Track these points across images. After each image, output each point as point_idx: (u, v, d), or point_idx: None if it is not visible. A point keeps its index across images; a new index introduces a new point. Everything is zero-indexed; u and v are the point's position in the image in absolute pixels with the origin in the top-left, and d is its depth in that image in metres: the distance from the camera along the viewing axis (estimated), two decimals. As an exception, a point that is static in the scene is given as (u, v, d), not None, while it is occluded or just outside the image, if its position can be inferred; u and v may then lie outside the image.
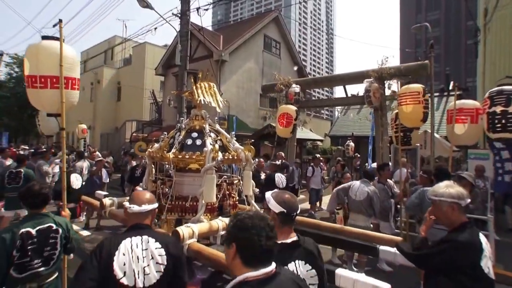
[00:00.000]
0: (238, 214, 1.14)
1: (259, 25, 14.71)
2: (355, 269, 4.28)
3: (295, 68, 16.01)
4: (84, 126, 10.92)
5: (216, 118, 3.99)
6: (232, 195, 3.51)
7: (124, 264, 1.51)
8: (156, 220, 3.19)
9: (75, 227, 5.84)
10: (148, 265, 1.55)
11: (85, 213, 6.74)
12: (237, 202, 3.52)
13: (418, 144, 7.47)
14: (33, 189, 2.20)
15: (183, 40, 9.49)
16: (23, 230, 2.03)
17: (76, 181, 4.37)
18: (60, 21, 2.92)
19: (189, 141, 3.46)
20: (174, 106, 12.83)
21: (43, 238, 2.10)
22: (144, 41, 18.79)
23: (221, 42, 13.75)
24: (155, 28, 10.12)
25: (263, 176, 5.44)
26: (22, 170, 5.05)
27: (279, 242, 1.47)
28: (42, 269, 2.08)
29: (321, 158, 9.20)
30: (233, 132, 3.77)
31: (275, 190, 1.71)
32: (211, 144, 3.32)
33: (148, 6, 8.87)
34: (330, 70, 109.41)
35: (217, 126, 3.76)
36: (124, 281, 1.48)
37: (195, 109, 3.81)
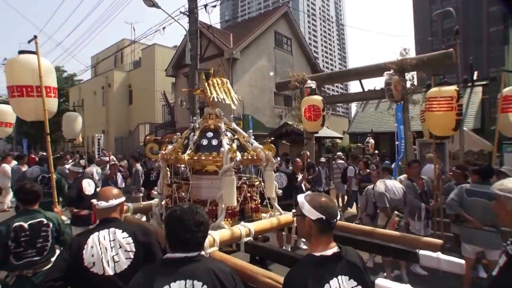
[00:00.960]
0: None
1: (269, 22, 14.52)
2: (405, 277, 4.05)
3: (309, 63, 15.74)
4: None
5: (232, 117, 3.82)
6: (254, 197, 3.34)
7: (93, 256, 1.69)
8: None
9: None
10: (117, 253, 1.73)
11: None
12: (259, 205, 3.35)
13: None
14: (25, 187, 2.50)
15: (193, 39, 9.40)
16: (16, 224, 2.31)
17: (89, 186, 4.27)
18: (35, 37, 3.27)
19: (205, 142, 3.33)
20: (186, 107, 12.84)
21: (35, 231, 2.37)
22: (153, 42, 18.82)
23: (231, 41, 13.62)
24: (164, 28, 10.09)
25: (300, 178, 5.22)
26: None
27: (317, 254, 1.30)
28: (36, 258, 2.36)
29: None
30: (251, 131, 3.59)
31: (308, 192, 1.53)
32: (228, 143, 3.17)
33: (154, 5, 8.83)
34: (343, 65, 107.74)
35: (234, 125, 3.61)
36: (94, 270, 1.67)
37: (209, 108, 3.68)
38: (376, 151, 10.99)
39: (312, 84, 9.15)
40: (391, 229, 3.62)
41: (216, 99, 3.57)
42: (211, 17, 13.93)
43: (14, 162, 8.58)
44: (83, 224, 4.10)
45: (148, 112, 19.08)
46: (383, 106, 16.03)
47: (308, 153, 8.10)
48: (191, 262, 1.29)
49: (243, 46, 12.97)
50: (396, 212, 3.86)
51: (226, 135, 3.31)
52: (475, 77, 13.94)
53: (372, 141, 11.16)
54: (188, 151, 3.17)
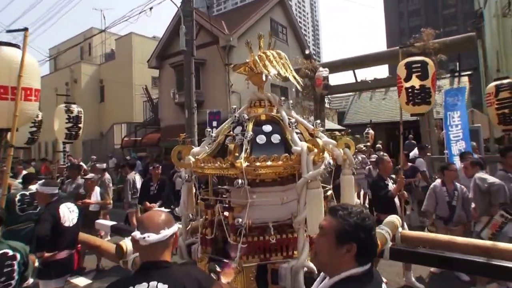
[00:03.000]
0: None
1: (265, 8, 13.71)
2: None
3: (307, 52, 15.16)
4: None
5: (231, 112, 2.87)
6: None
7: None
8: (217, 269, 2.03)
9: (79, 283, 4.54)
10: None
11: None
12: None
13: (479, 125, 6.76)
14: None
15: (187, 21, 8.32)
16: None
17: (69, 213, 3.08)
18: (26, 29, 2.93)
19: (262, 139, 2.35)
20: (179, 102, 11.62)
21: None
22: (129, 32, 17.40)
23: (225, 28, 12.61)
24: (151, 8, 8.87)
25: (390, 185, 4.06)
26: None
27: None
28: None
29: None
30: (318, 121, 2.65)
31: None
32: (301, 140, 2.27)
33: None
34: (317, 61, 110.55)
35: (293, 113, 2.64)
36: None
37: (259, 91, 2.73)
38: (380, 143, 10.57)
39: (325, 72, 8.42)
40: (491, 231, 3.39)
41: (273, 77, 2.64)
42: (199, 7, 12.76)
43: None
44: (60, 273, 2.95)
45: (124, 110, 17.70)
46: (378, 96, 16.30)
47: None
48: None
49: (241, 32, 12.02)
50: (502, 211, 3.32)
51: (295, 128, 2.35)
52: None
53: (371, 131, 10.79)
54: (243, 154, 2.17)
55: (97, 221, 4.32)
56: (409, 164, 5.65)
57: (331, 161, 2.04)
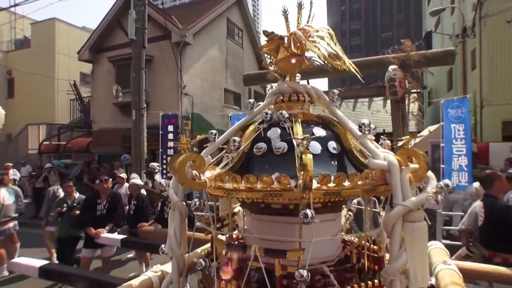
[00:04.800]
0: None
1: (223, 7, 13.08)
2: None
3: (267, 62, 14.91)
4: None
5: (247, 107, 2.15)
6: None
7: None
8: None
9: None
10: None
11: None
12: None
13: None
14: None
15: (139, 5, 7.22)
16: None
17: None
18: None
19: (316, 148, 1.67)
20: (118, 103, 10.27)
21: None
22: (52, 17, 15.12)
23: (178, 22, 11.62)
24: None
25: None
26: None
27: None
28: None
29: None
30: (366, 121, 1.89)
31: None
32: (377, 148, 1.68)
33: None
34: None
35: (337, 111, 1.96)
36: None
37: (290, 81, 2.07)
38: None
39: (296, 77, 8.12)
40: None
41: (319, 62, 2.00)
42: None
43: None
44: None
45: (43, 109, 15.31)
46: (376, 105, 15.60)
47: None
48: None
49: (196, 29, 11.11)
50: None
51: (367, 132, 1.70)
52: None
53: None
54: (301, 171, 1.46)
55: (13, 260, 3.08)
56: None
57: (449, 183, 1.44)
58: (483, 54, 9.27)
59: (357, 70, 1.99)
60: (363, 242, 1.89)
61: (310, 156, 1.34)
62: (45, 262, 2.88)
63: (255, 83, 9.46)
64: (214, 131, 1.99)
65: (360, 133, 1.71)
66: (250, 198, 1.49)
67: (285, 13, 2.03)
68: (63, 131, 13.13)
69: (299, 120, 1.76)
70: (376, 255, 1.90)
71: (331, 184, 1.42)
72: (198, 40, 11.39)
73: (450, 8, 12.52)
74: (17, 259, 3.16)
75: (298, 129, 1.69)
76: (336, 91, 2.02)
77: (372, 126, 1.90)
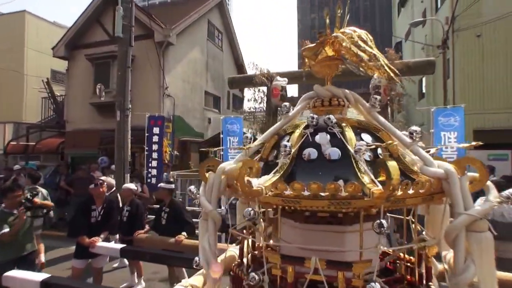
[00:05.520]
0: None
1: (205, 8, 12.89)
2: None
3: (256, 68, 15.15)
4: None
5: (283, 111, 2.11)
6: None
7: None
8: None
9: None
10: None
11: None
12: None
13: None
14: None
15: (126, 2, 6.90)
16: None
17: None
18: None
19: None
20: (96, 102, 9.80)
21: None
22: (21, 9, 14.13)
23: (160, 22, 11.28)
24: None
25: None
26: None
27: None
28: None
29: None
30: (416, 128, 1.84)
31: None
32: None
33: None
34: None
35: (379, 117, 1.93)
36: None
37: (329, 86, 2.02)
38: None
39: (283, 81, 8.07)
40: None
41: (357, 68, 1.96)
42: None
43: None
44: None
45: (9, 106, 14.17)
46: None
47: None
48: None
49: (179, 29, 10.82)
50: None
51: (418, 139, 1.67)
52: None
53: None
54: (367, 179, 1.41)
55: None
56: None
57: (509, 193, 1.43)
58: (456, 65, 9.86)
59: (397, 73, 1.99)
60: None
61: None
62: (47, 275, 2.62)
63: (241, 86, 9.38)
64: (249, 135, 1.89)
65: (410, 140, 1.69)
66: (314, 207, 1.41)
67: (326, 15, 1.97)
68: (32, 131, 12.17)
69: (349, 125, 1.72)
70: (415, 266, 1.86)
71: (399, 192, 1.37)
72: (180, 40, 11.14)
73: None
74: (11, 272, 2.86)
75: (351, 135, 1.64)
76: (378, 96, 1.99)
77: (415, 128, 1.84)
